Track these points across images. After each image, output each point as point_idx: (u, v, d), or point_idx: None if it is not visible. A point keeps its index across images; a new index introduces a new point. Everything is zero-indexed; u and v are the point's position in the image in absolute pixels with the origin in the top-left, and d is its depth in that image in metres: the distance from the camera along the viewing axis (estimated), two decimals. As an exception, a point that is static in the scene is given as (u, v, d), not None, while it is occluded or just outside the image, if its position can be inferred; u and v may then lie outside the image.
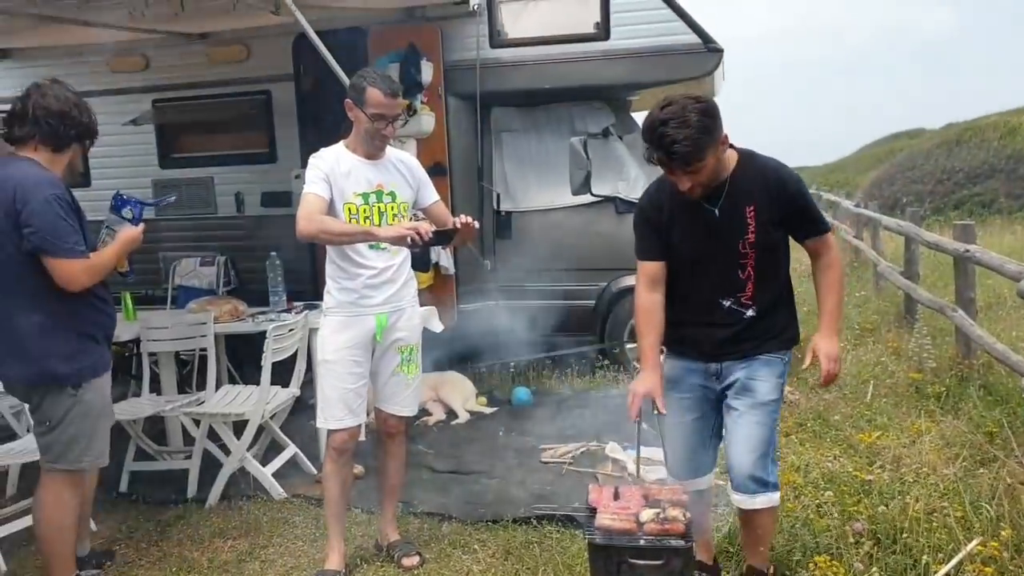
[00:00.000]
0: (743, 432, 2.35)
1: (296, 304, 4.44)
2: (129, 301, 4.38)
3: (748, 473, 2.34)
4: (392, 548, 3.04)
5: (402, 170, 2.89)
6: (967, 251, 4.72)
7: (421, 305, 3.13)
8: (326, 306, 2.89)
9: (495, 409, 4.92)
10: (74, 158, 2.68)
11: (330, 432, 2.89)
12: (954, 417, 4.04)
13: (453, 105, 5.26)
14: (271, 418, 3.81)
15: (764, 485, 2.36)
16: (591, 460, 3.95)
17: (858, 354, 5.51)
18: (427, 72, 4.90)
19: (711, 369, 2.41)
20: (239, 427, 3.67)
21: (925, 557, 2.49)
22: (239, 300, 4.46)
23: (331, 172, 2.74)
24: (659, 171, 2.31)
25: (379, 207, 2.81)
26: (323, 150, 2.84)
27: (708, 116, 2.16)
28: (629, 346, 5.42)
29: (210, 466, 3.75)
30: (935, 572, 2.43)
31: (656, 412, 2.34)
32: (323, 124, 4.95)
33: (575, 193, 5.07)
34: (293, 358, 3.84)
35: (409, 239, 2.60)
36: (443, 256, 5.18)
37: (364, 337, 2.84)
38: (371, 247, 2.78)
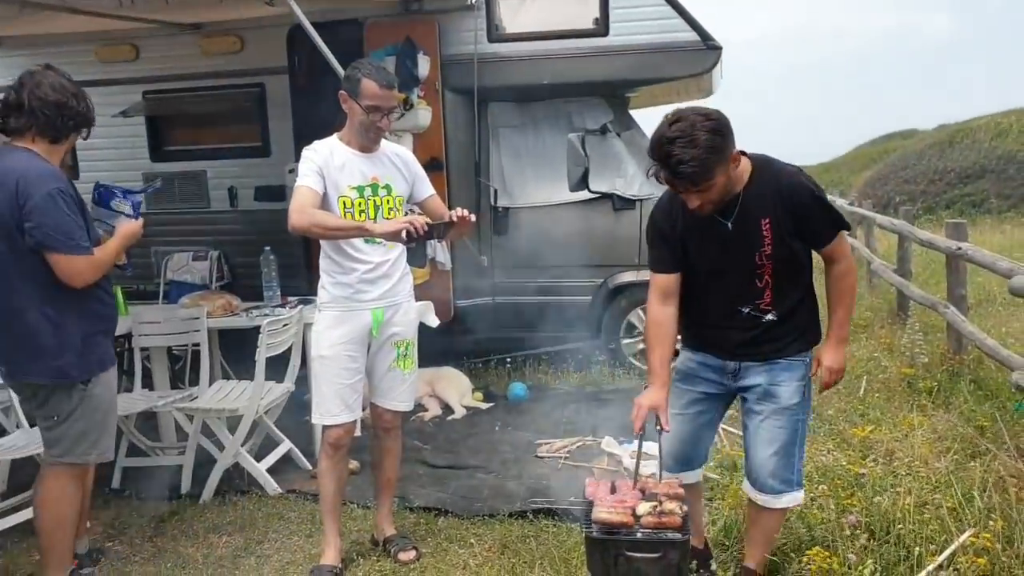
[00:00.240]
0: (765, 436, 2.35)
1: (290, 299, 4.42)
2: (120, 296, 4.35)
3: (771, 475, 2.35)
4: (388, 543, 3.04)
5: (397, 163, 2.86)
6: (959, 249, 4.76)
7: (417, 300, 3.11)
8: (320, 301, 2.87)
9: (491, 404, 4.92)
10: (69, 148, 2.65)
11: (325, 428, 2.88)
12: (945, 411, 4.07)
13: (450, 100, 5.24)
14: (265, 414, 3.80)
15: (788, 484, 2.37)
16: (587, 455, 3.95)
17: (852, 350, 5.53)
18: (424, 66, 4.87)
19: (729, 367, 2.39)
20: (233, 423, 3.66)
21: (918, 548, 2.51)
22: (232, 295, 4.43)
23: (325, 165, 2.71)
24: None
25: (374, 200, 2.78)
26: (316, 143, 2.80)
27: (718, 135, 2.08)
28: (625, 342, 5.43)
29: (204, 462, 3.73)
30: (928, 563, 2.45)
31: (659, 428, 2.33)
32: (318, 118, 4.93)
33: (572, 189, 5.06)
34: (287, 353, 3.82)
35: (404, 233, 2.57)
36: (439, 252, 5.17)
37: (359, 332, 2.82)
38: (366, 241, 2.76)
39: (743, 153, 2.23)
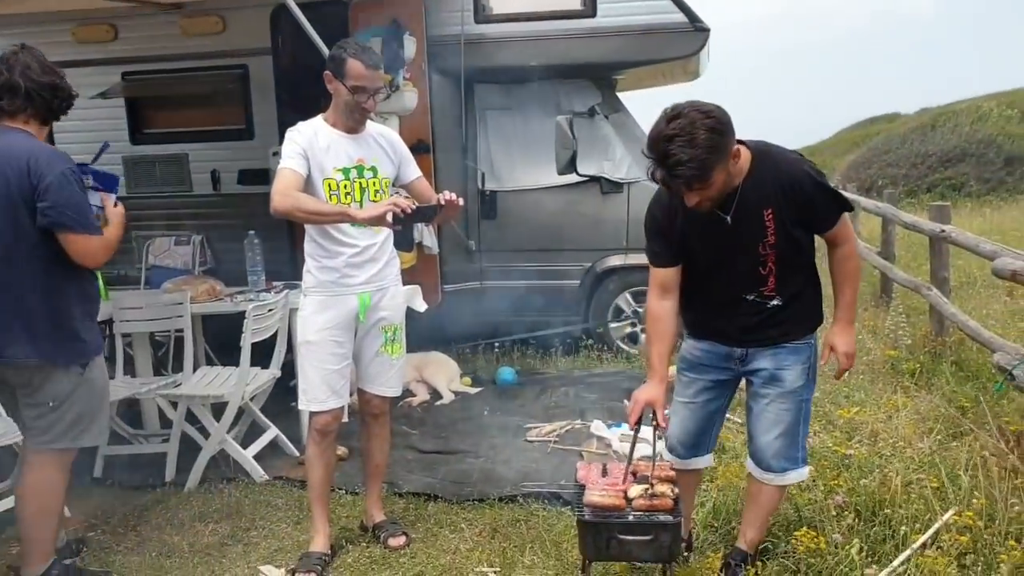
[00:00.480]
0: (771, 418, 2.36)
1: (275, 284, 4.37)
2: (101, 280, 4.27)
3: (775, 455, 2.36)
4: (378, 529, 3.03)
5: (383, 144, 2.82)
6: (943, 231, 4.80)
7: (404, 285, 3.08)
8: (306, 285, 2.83)
9: (480, 389, 4.91)
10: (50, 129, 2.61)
11: (313, 414, 2.85)
12: (928, 392, 4.12)
13: (436, 82, 5.17)
14: (251, 400, 3.76)
15: (794, 462, 2.38)
16: (576, 438, 3.96)
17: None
18: (410, 47, 4.80)
19: (735, 353, 2.38)
20: (218, 409, 3.62)
21: (903, 528, 2.54)
22: (216, 280, 4.37)
23: (309, 147, 2.66)
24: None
25: (360, 183, 2.74)
26: (301, 124, 2.75)
27: (717, 133, 2.02)
28: (613, 325, 5.44)
29: (188, 449, 3.69)
30: (913, 542, 2.48)
31: (654, 425, 2.32)
32: (302, 101, 4.86)
33: (561, 172, 5.03)
34: (273, 339, 3.78)
35: (390, 216, 2.51)
36: (426, 236, 5.13)
37: (346, 317, 2.79)
38: (353, 224, 2.71)
39: (741, 142, 2.18)
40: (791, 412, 2.35)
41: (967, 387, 4.10)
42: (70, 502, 3.26)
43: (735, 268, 2.27)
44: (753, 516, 2.50)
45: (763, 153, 2.22)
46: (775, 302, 2.29)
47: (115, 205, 2.73)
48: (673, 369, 2.48)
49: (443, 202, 2.64)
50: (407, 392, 4.72)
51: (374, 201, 2.74)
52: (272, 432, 3.88)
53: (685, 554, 2.61)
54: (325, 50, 3.62)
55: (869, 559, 2.45)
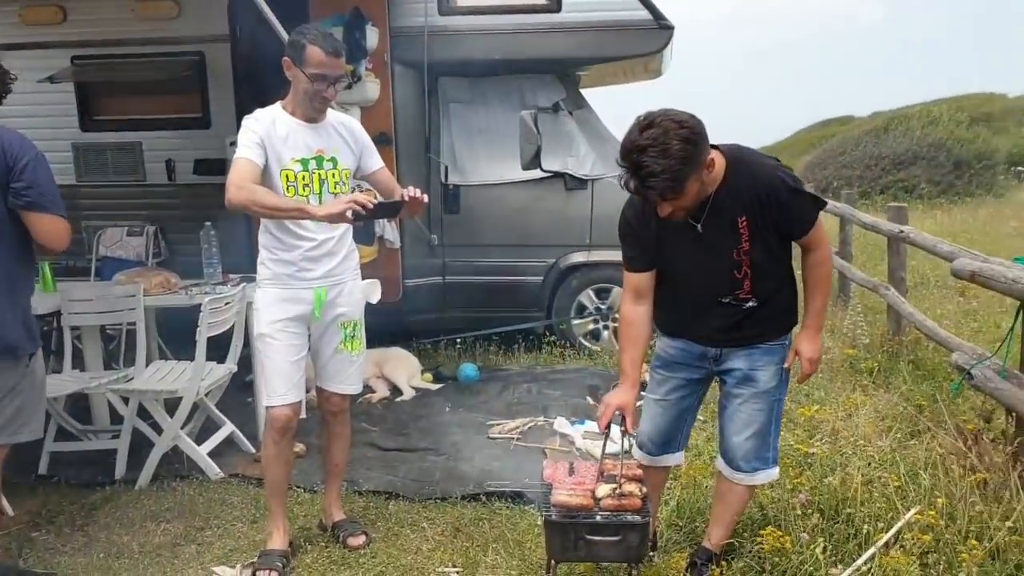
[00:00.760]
0: (743, 419, 2.36)
1: (232, 276, 4.24)
2: (48, 271, 4.09)
3: (746, 455, 2.36)
4: (337, 528, 2.95)
5: (343, 134, 2.73)
6: (902, 232, 4.89)
7: (364, 279, 3.00)
8: (260, 277, 2.73)
9: (441, 385, 4.85)
10: None
11: (270, 409, 2.75)
12: (886, 391, 4.19)
13: (399, 73, 5.09)
14: (207, 395, 3.64)
15: (764, 462, 2.39)
16: (539, 435, 3.93)
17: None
18: (372, 37, 4.71)
19: (710, 353, 2.37)
20: (172, 405, 3.49)
21: (866, 526, 2.56)
22: (170, 272, 4.23)
23: (267, 136, 2.57)
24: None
25: (319, 174, 2.65)
26: (258, 111, 2.65)
27: (691, 143, 1.98)
28: (576, 322, 5.42)
29: (140, 446, 3.56)
30: (876, 540, 2.50)
31: (624, 430, 2.30)
32: (261, 89, 4.72)
33: (525, 168, 4.99)
34: (229, 333, 3.66)
35: (350, 213, 2.42)
36: (388, 229, 5.05)
37: (302, 310, 2.71)
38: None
39: (715, 147, 2.14)
40: (764, 412, 2.35)
41: (924, 386, 4.19)
42: (12, 500, 3.13)
43: (710, 273, 2.26)
44: (721, 515, 2.50)
45: (737, 160, 2.18)
46: (751, 303, 2.29)
47: None
48: (646, 367, 2.46)
49: (407, 198, 2.56)
50: (367, 388, 4.63)
51: (334, 194, 2.66)
52: (228, 428, 3.77)
53: (651, 554, 2.60)
54: (285, 37, 3.51)
55: (833, 558, 2.46)
